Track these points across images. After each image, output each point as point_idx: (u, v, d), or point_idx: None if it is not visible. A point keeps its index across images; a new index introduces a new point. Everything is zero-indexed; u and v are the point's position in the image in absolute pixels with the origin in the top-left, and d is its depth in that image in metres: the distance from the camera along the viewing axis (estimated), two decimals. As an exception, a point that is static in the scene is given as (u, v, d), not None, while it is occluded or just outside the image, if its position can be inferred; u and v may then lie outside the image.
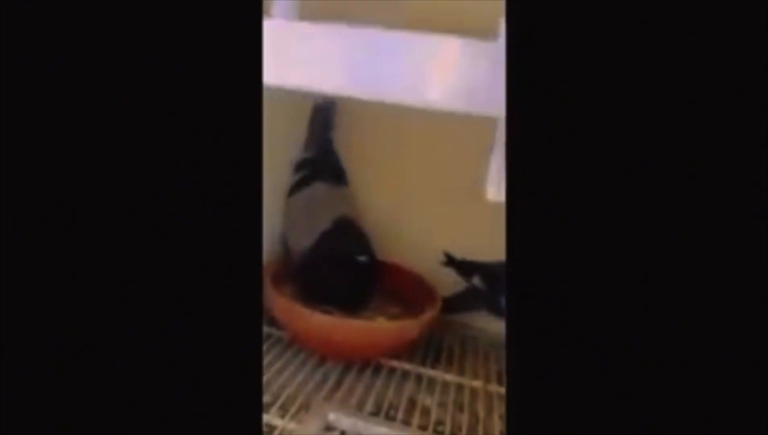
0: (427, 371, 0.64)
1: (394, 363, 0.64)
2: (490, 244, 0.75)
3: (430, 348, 0.72)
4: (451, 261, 0.78)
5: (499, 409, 0.58)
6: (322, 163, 0.75)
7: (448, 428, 0.52)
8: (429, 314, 0.63)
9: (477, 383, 0.63)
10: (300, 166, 0.75)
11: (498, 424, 0.55)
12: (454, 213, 0.80)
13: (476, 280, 0.74)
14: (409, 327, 0.60)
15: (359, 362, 0.63)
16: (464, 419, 0.55)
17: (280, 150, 0.72)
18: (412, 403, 0.58)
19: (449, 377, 0.64)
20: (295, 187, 0.72)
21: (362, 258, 0.62)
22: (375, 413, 0.54)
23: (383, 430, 0.47)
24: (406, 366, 0.64)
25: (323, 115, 0.79)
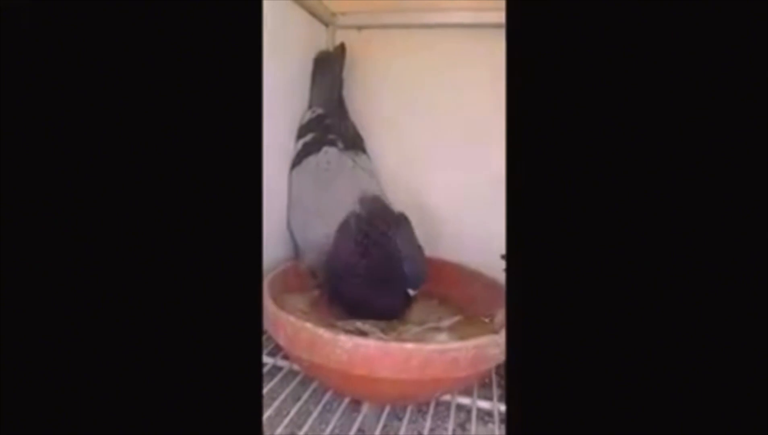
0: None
1: (465, 400, 0.43)
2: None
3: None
4: None
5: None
6: (331, 123, 0.54)
7: None
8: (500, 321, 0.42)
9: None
10: (305, 129, 0.55)
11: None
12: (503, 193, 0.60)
13: None
14: (490, 345, 0.38)
15: (413, 403, 0.42)
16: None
17: (278, 111, 0.52)
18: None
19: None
20: (301, 155, 0.52)
21: (412, 292, 0.42)
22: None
23: None
24: (483, 404, 0.43)
25: (329, 66, 0.59)
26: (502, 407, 0.43)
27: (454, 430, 0.39)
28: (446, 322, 0.49)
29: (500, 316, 0.46)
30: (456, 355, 0.35)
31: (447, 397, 0.43)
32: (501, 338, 0.38)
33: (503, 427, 0.42)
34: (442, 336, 0.45)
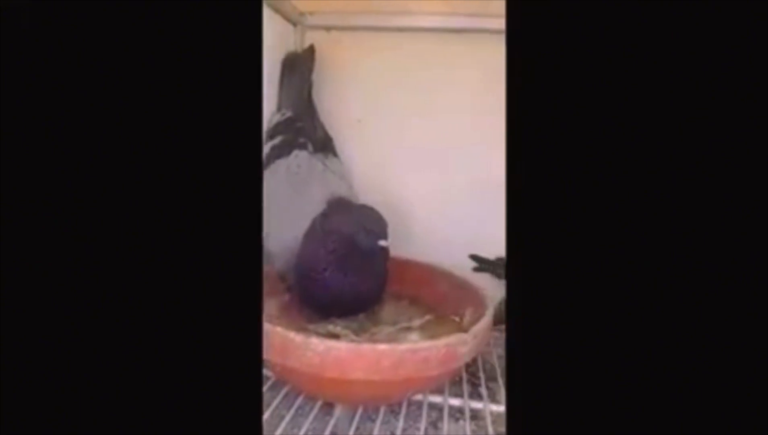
0: (488, 406, 0.44)
1: (437, 398, 0.44)
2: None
3: (476, 371, 0.52)
4: (483, 262, 0.59)
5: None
6: (301, 127, 0.54)
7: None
8: (482, 325, 0.42)
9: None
10: (274, 131, 0.54)
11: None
12: (473, 194, 0.61)
13: None
14: (460, 343, 0.39)
15: (385, 404, 0.42)
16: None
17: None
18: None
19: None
20: (270, 158, 0.51)
21: (383, 242, 0.42)
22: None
23: None
24: (454, 401, 0.44)
25: (298, 67, 0.59)
26: (473, 404, 0.44)
27: (426, 429, 0.40)
28: (417, 322, 0.50)
29: (469, 315, 0.47)
30: (427, 355, 0.36)
31: (419, 397, 0.44)
32: (470, 337, 0.39)
33: (474, 423, 0.43)
34: (414, 336, 0.46)
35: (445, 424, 0.41)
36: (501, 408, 0.43)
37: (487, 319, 0.43)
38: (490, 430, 0.41)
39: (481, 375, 0.51)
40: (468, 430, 0.41)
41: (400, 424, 0.41)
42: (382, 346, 0.35)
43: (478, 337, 0.40)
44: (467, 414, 0.43)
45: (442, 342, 0.37)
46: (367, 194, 0.56)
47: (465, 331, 0.40)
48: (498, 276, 0.59)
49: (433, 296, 0.54)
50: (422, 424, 0.40)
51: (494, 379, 0.49)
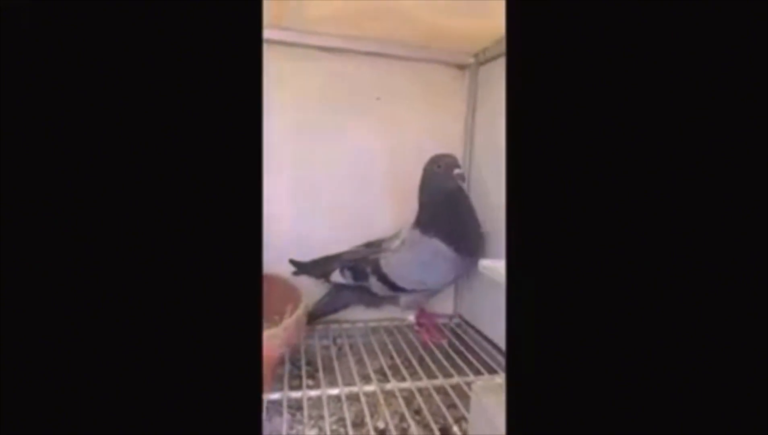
0: (306, 393, 0.47)
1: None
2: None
3: (299, 364, 0.55)
4: (300, 266, 0.62)
5: (410, 406, 0.45)
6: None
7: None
8: (294, 319, 0.45)
9: (370, 387, 0.49)
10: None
11: (416, 425, 0.41)
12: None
13: (336, 276, 0.60)
14: (274, 336, 0.41)
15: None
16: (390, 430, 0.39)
17: None
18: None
19: (334, 392, 0.48)
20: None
21: None
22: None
23: None
24: (274, 396, 0.46)
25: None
26: (291, 394, 0.46)
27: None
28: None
29: (289, 312, 0.49)
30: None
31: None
32: (281, 330, 0.42)
33: (291, 414, 0.45)
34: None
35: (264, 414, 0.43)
36: (317, 392, 0.47)
37: (299, 312, 0.46)
38: (306, 413, 0.44)
39: (302, 364, 0.55)
40: (285, 420, 0.43)
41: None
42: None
43: (289, 329, 0.43)
44: (284, 404, 0.45)
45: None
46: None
47: (278, 326, 0.42)
48: (315, 276, 0.63)
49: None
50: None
51: (314, 365, 0.53)
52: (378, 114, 0.67)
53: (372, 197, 0.68)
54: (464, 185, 0.59)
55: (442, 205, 0.58)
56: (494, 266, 0.42)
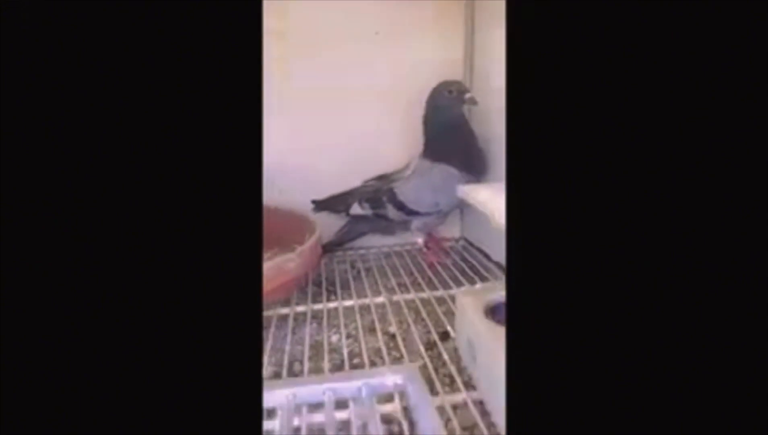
0: (326, 305, 0.55)
1: (284, 309, 0.53)
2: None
3: (320, 284, 0.63)
4: (320, 203, 0.68)
5: (412, 315, 0.52)
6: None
7: (365, 357, 0.44)
8: (309, 245, 0.52)
9: (379, 299, 0.56)
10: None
11: (419, 330, 0.49)
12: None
13: (355, 208, 0.67)
14: (287, 262, 0.48)
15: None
16: (378, 340, 0.47)
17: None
18: (316, 347, 0.48)
19: (349, 303, 0.55)
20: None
21: None
22: (277, 374, 0.44)
23: (286, 392, 0.36)
24: (300, 308, 0.54)
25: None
26: (314, 306, 0.54)
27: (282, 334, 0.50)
28: (267, 255, 0.58)
29: (307, 240, 0.56)
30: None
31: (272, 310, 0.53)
32: (296, 255, 0.49)
33: (316, 322, 0.54)
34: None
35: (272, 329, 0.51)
36: (335, 304, 0.55)
37: (313, 239, 0.53)
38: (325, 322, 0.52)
39: (324, 284, 0.63)
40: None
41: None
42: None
43: (304, 254, 0.50)
44: (291, 317, 0.53)
45: (271, 262, 0.46)
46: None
47: (292, 250, 0.49)
48: (335, 211, 0.69)
49: (276, 232, 0.62)
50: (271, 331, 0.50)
51: (333, 284, 0.61)
52: (378, 48, 0.69)
53: (378, 131, 0.72)
54: (467, 111, 0.63)
55: (449, 130, 0.63)
56: (471, 190, 0.47)
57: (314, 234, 0.55)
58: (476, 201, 0.44)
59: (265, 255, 0.58)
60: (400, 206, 0.66)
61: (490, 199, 0.42)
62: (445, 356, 0.43)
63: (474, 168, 0.63)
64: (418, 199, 0.65)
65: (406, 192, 0.65)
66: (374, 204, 0.66)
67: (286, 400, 0.35)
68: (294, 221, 0.62)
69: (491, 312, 0.39)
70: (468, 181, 0.61)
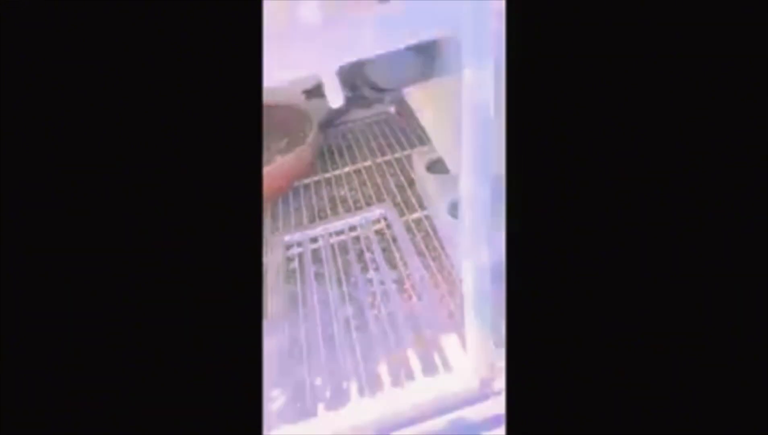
0: (333, 173, 0.81)
1: (303, 182, 0.80)
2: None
3: (324, 156, 0.89)
4: (310, 92, 0.87)
5: (391, 169, 0.79)
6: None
7: (363, 202, 0.72)
8: (312, 134, 0.76)
9: (368, 163, 0.82)
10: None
11: (394, 180, 0.76)
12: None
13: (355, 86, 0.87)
14: (303, 152, 0.74)
15: (277, 196, 0.78)
16: (369, 190, 0.75)
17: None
18: (333, 201, 0.76)
19: (349, 168, 0.82)
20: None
21: None
22: (312, 220, 0.73)
23: (323, 227, 0.66)
24: (314, 178, 0.81)
25: None
26: (325, 175, 0.81)
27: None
28: (283, 144, 0.83)
29: (307, 129, 0.79)
30: (282, 163, 0.71)
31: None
32: (307, 147, 0.73)
33: (327, 185, 0.81)
34: (280, 156, 0.79)
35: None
36: (339, 171, 0.81)
37: (314, 131, 0.77)
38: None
39: (326, 154, 0.88)
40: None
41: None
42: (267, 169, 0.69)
43: (313, 144, 0.75)
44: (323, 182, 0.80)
45: (292, 153, 0.71)
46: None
47: (304, 143, 0.74)
48: (322, 97, 0.89)
49: (284, 125, 0.85)
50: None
51: (333, 153, 0.87)
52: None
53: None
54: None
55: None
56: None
57: (313, 126, 0.78)
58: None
59: (281, 143, 0.83)
60: (373, 86, 0.86)
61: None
62: (409, 193, 0.71)
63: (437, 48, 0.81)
64: (387, 79, 0.85)
65: (375, 72, 0.84)
66: (352, 87, 0.86)
67: (319, 231, 0.64)
68: (294, 114, 0.84)
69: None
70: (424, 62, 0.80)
